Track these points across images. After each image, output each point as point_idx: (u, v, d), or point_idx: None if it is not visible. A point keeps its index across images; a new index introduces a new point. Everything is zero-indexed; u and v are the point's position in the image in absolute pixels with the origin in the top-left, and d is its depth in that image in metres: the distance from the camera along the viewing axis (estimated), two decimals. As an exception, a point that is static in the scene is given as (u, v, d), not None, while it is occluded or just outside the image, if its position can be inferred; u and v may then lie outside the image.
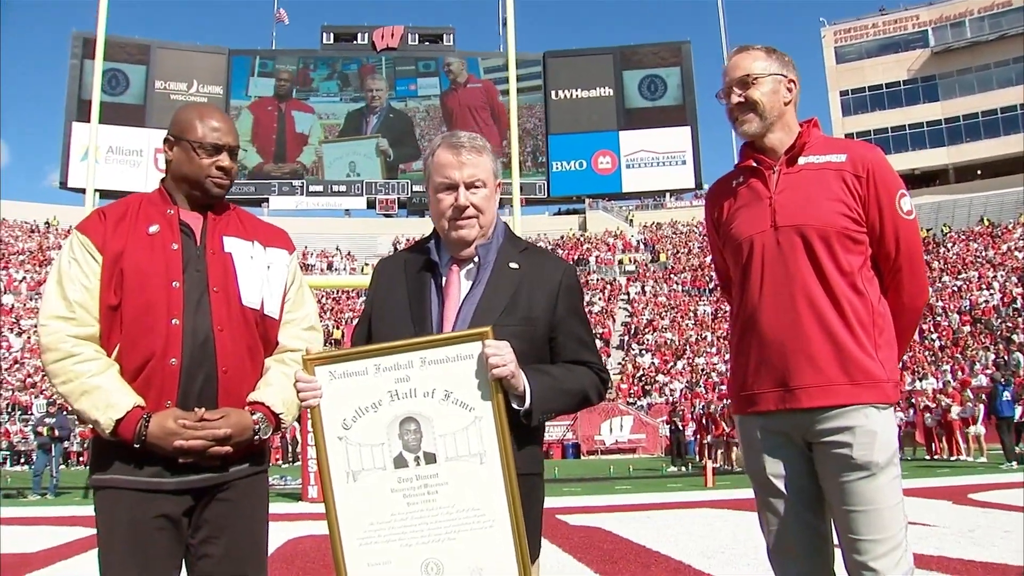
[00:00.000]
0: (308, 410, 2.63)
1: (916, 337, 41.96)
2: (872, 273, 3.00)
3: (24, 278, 53.23)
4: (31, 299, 50.38)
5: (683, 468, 26.19)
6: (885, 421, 2.89)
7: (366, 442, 2.58)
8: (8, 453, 37.91)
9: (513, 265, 2.82)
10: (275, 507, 12.42)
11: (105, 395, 2.72)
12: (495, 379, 2.54)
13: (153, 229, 2.89)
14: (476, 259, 2.83)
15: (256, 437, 2.88)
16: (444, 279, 2.83)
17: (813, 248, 2.92)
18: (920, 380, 35.46)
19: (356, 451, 2.58)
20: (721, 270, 3.36)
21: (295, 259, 3.16)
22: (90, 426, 2.79)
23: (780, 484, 2.98)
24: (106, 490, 2.81)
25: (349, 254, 63.24)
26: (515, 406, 2.60)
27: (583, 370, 2.82)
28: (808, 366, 2.88)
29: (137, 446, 2.72)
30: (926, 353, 40.65)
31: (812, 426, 2.90)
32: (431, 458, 2.56)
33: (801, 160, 3.04)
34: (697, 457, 28.94)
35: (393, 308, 2.84)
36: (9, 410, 40.77)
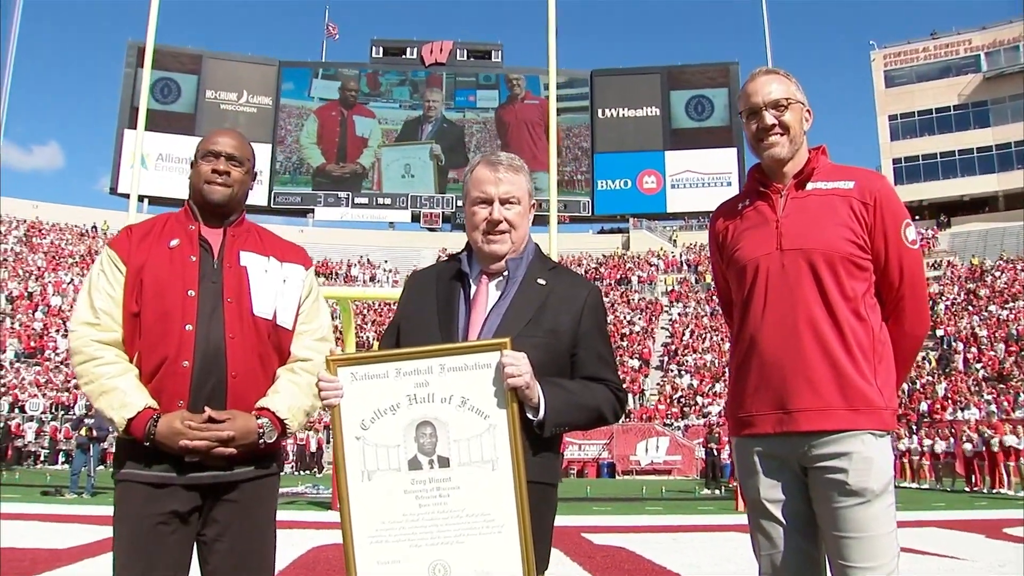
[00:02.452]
0: (329, 410, 2.72)
1: (960, 366, 41.38)
2: (875, 301, 3.01)
3: (72, 281, 54.16)
4: (78, 302, 51.12)
5: (717, 491, 25.97)
6: (882, 448, 2.88)
7: (383, 443, 2.66)
8: (50, 451, 38.55)
9: (541, 281, 2.90)
10: (304, 515, 12.53)
11: (121, 395, 2.92)
12: (511, 389, 2.60)
13: (174, 243, 3.10)
14: (506, 273, 2.91)
15: (261, 441, 3.02)
16: (473, 289, 2.91)
17: (818, 272, 2.93)
18: (962, 410, 34.90)
19: (372, 451, 2.66)
20: (723, 291, 3.36)
21: (311, 274, 3.33)
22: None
23: (774, 508, 2.97)
24: (122, 483, 3.01)
25: (392, 267, 63.60)
26: (529, 416, 2.66)
27: (600, 387, 2.86)
28: (807, 389, 2.87)
29: (147, 444, 2.89)
30: (970, 383, 40.03)
31: (809, 450, 2.89)
32: (445, 462, 2.63)
33: (809, 185, 3.06)
34: (731, 480, 28.69)
35: (422, 316, 2.93)
36: (52, 410, 41.44)
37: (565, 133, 67.57)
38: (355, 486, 2.66)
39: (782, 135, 3.06)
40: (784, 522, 2.95)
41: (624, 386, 2.99)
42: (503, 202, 2.91)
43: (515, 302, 2.85)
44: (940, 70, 67.52)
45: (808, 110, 3.13)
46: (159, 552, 2.89)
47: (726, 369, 46.58)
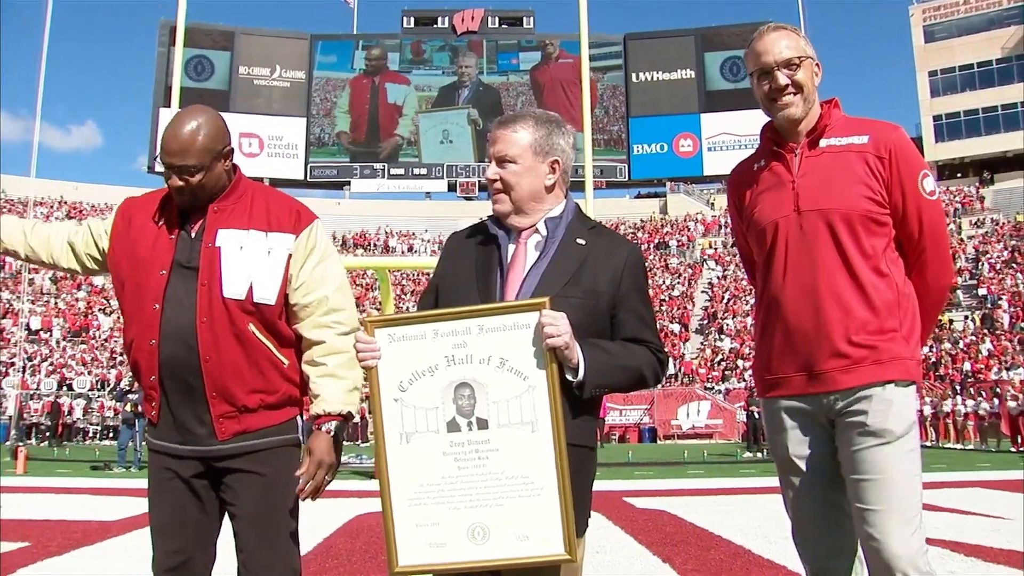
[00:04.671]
0: (366, 372, 2.70)
1: (1005, 325, 40.86)
2: (896, 255, 2.97)
3: (114, 259, 54.70)
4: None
5: (759, 454, 25.90)
6: (904, 395, 2.86)
7: (421, 405, 2.63)
8: (99, 428, 39.26)
9: (580, 241, 2.85)
10: (347, 484, 12.66)
11: None
12: (550, 349, 2.56)
13: (160, 221, 3.10)
14: (545, 233, 2.86)
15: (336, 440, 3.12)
16: (512, 250, 2.87)
17: (836, 232, 2.90)
18: (1007, 370, 34.51)
19: (411, 413, 2.64)
20: (746, 255, 3.34)
21: (308, 239, 3.16)
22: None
23: (803, 464, 2.97)
24: (149, 451, 3.15)
25: (430, 237, 63.74)
26: (569, 377, 2.62)
27: (641, 349, 2.81)
28: (831, 351, 2.87)
29: (154, 416, 3.07)
30: (1014, 341, 39.54)
31: (835, 403, 2.89)
32: (483, 424, 2.59)
33: (822, 143, 3.01)
34: (774, 443, 28.58)
35: (459, 276, 2.90)
36: (99, 387, 42.14)
37: (600, 96, 67.24)
38: (393, 448, 2.65)
39: (796, 94, 3.00)
40: (814, 477, 2.96)
41: (664, 349, 2.94)
42: (498, 161, 2.88)
43: (554, 262, 2.80)
44: (981, 23, 65.83)
45: (818, 64, 3.07)
46: (170, 506, 3.04)
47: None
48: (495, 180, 2.88)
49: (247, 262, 3.03)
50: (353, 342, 2.78)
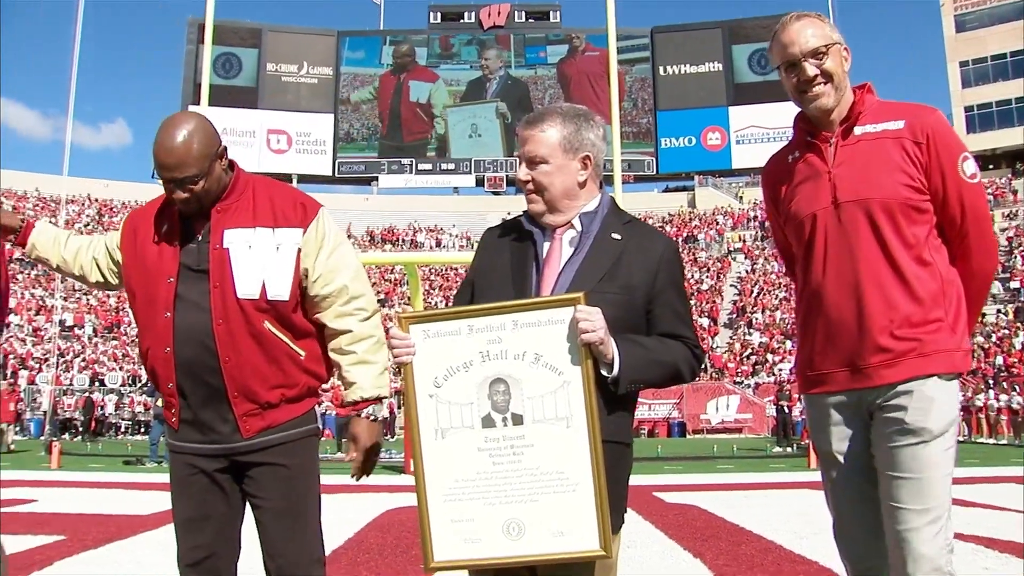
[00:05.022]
0: (401, 368, 2.70)
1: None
2: (939, 242, 2.88)
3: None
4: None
5: (788, 449, 25.79)
6: (947, 390, 2.79)
7: (456, 401, 2.63)
8: (130, 423, 39.63)
9: (616, 236, 2.82)
10: (376, 479, 12.77)
11: None
12: (585, 344, 2.55)
13: (164, 229, 3.11)
14: (579, 228, 2.84)
15: (376, 423, 3.21)
16: (547, 246, 2.85)
17: (876, 223, 2.81)
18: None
19: (446, 409, 2.64)
20: (784, 248, 3.27)
21: (316, 230, 3.15)
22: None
23: (845, 460, 2.92)
24: (169, 452, 3.20)
25: (458, 232, 63.82)
26: (604, 373, 2.61)
27: (677, 344, 2.78)
28: (875, 346, 2.80)
29: (175, 423, 3.10)
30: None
31: (875, 399, 2.83)
32: (518, 419, 2.59)
33: (857, 130, 2.92)
34: (803, 438, 28.47)
35: (495, 272, 2.89)
36: (130, 382, 42.54)
37: (628, 89, 67.11)
38: (428, 444, 2.64)
39: (826, 83, 2.91)
40: (857, 475, 2.90)
41: (700, 344, 2.91)
42: (528, 162, 2.85)
43: (589, 257, 2.78)
44: (1013, 12, 64.67)
45: (846, 48, 2.97)
46: (193, 502, 3.08)
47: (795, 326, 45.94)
48: (527, 181, 2.85)
49: (257, 261, 3.04)
50: (376, 324, 2.86)
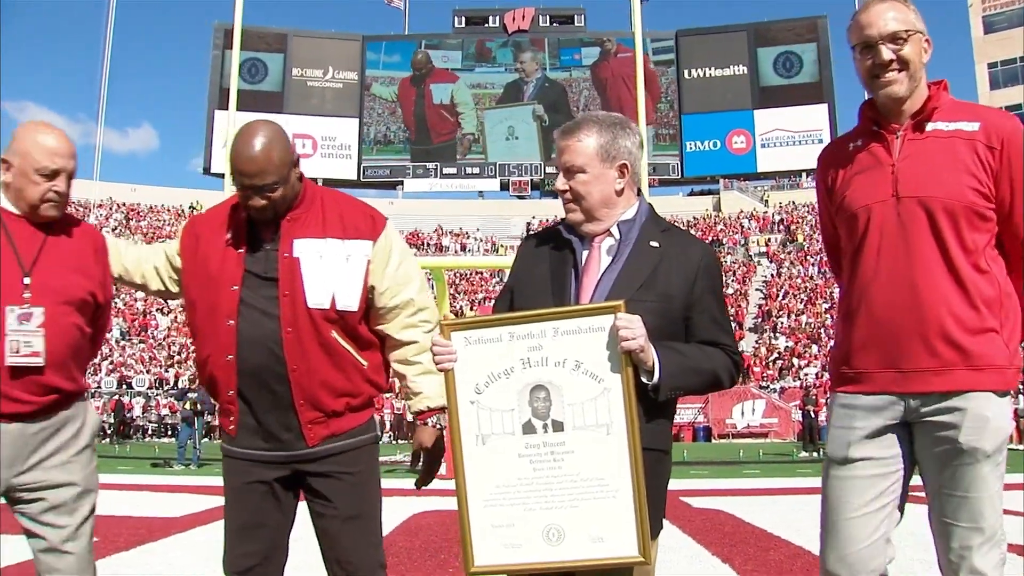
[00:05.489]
0: (443, 373, 2.73)
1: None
2: (996, 252, 2.78)
3: (172, 260, 55.54)
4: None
5: (815, 454, 25.61)
6: (1000, 408, 2.70)
7: (497, 407, 2.66)
8: (157, 426, 39.91)
9: (654, 244, 2.84)
10: (403, 483, 12.73)
11: None
12: (625, 352, 2.57)
13: (228, 236, 3.13)
14: (618, 236, 2.86)
15: (442, 431, 3.24)
16: (586, 254, 2.87)
17: (937, 223, 2.70)
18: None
19: (487, 415, 2.67)
20: (831, 241, 3.13)
21: (385, 243, 3.20)
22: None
23: (865, 466, 2.80)
24: (225, 457, 3.20)
25: (483, 236, 63.90)
26: (644, 380, 2.62)
27: (716, 351, 2.80)
28: (924, 349, 2.70)
29: (232, 430, 3.12)
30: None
31: (919, 407, 2.73)
32: (559, 426, 2.62)
33: (929, 126, 2.80)
34: (830, 442, 28.26)
35: (534, 280, 2.91)
36: (157, 385, 42.86)
37: (664, 90, 67.28)
38: (469, 450, 2.67)
39: (900, 71, 2.77)
40: (873, 479, 2.80)
41: (739, 351, 2.91)
42: (566, 172, 2.87)
43: (627, 266, 2.80)
44: (1043, 13, 64.40)
45: (927, 40, 2.83)
46: (251, 511, 3.09)
47: (821, 330, 46.19)
48: (565, 191, 2.88)
49: (328, 271, 3.06)
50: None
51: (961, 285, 2.69)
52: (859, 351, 2.83)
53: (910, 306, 2.71)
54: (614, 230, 2.87)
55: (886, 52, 2.77)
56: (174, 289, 3.36)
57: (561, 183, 2.89)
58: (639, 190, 2.98)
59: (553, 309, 2.69)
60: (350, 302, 3.08)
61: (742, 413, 38.42)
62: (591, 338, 2.61)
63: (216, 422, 35.80)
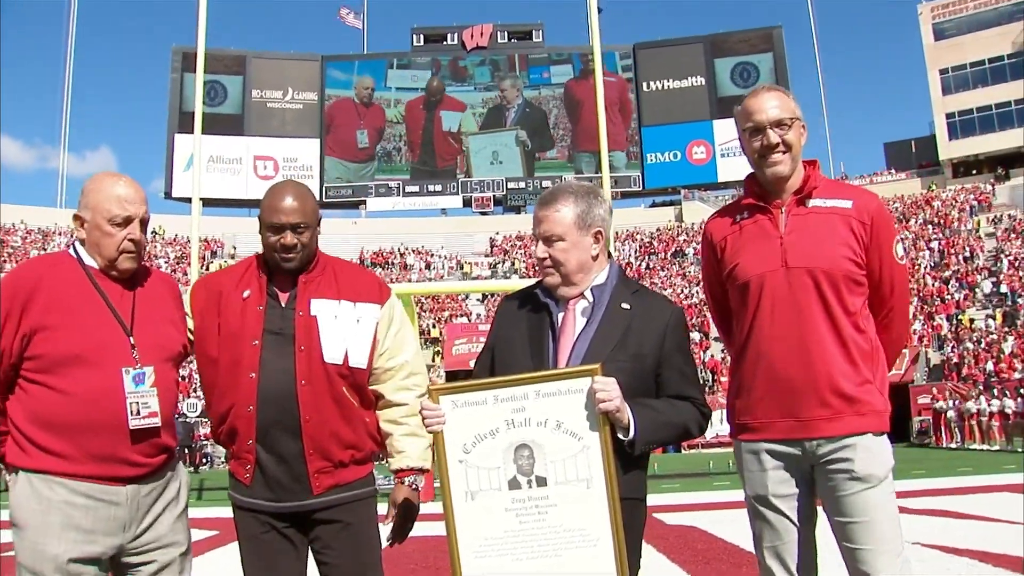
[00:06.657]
0: (433, 435, 2.93)
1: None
2: (868, 312, 3.21)
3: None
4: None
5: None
6: (881, 444, 3.14)
7: (484, 465, 2.86)
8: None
9: (625, 305, 3.07)
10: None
11: None
12: (602, 412, 2.77)
13: (246, 294, 3.30)
14: (591, 299, 3.08)
15: (417, 491, 3.40)
16: (561, 316, 3.09)
17: (822, 289, 3.11)
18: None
19: (475, 473, 2.87)
20: (718, 300, 3.51)
21: (390, 307, 3.43)
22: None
23: (782, 503, 3.18)
24: (236, 508, 3.36)
25: (447, 253, 63.87)
26: (620, 436, 2.84)
27: (686, 405, 3.06)
28: (817, 401, 3.09)
29: (247, 479, 3.25)
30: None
31: (816, 449, 3.11)
32: (543, 481, 2.83)
33: (810, 203, 3.21)
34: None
35: (514, 343, 3.13)
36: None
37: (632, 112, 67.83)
38: (459, 506, 2.86)
39: (785, 153, 3.19)
40: (791, 515, 3.18)
41: (707, 403, 3.19)
42: (545, 240, 3.09)
43: (601, 328, 3.02)
44: (991, 18, 65.12)
45: (803, 125, 3.26)
46: (266, 556, 3.25)
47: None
48: (544, 258, 3.07)
49: (342, 330, 3.26)
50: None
51: (844, 344, 3.11)
52: (757, 402, 3.22)
53: (803, 363, 3.10)
54: (587, 293, 3.08)
55: (773, 136, 3.19)
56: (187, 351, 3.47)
57: (541, 251, 3.08)
58: (610, 254, 3.18)
59: (535, 373, 2.89)
60: (361, 360, 3.29)
61: (711, 423, 38.57)
62: (570, 400, 2.81)
63: (195, 457, 35.42)
